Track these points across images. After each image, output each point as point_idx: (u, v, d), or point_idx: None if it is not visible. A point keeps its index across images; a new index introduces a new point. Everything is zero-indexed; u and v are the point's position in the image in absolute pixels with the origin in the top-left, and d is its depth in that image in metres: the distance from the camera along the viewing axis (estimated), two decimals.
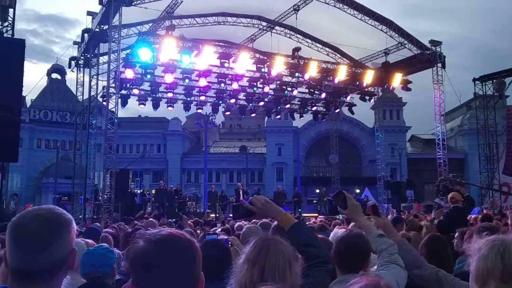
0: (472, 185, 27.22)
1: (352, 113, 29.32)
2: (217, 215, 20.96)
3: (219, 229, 6.58)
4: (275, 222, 4.73)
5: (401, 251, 2.85)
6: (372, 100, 27.93)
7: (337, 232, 3.48)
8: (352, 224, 6.70)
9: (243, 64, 21.71)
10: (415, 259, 2.98)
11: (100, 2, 19.68)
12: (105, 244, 3.69)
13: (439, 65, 25.15)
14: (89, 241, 4.03)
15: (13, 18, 15.10)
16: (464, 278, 3.00)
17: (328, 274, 2.28)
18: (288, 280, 1.74)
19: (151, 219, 11.78)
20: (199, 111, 27.46)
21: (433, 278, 2.89)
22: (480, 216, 9.59)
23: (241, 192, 24.13)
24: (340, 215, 15.05)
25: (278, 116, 31.47)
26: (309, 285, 2.08)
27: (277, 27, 25.04)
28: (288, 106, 27.98)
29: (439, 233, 5.57)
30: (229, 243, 4.09)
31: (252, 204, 2.39)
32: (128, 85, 22.26)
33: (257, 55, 22.53)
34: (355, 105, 28.29)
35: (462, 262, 4.28)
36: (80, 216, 21.62)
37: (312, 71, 22.70)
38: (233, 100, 25.96)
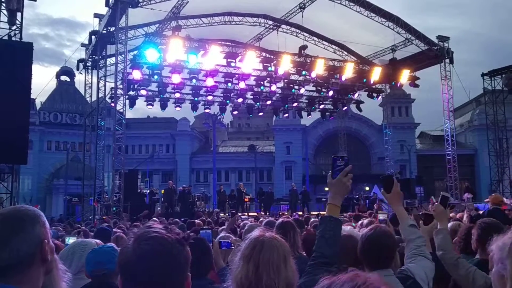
0: None
1: (360, 110, 29.25)
2: (227, 214, 20.96)
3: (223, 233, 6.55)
4: (280, 220, 4.76)
5: (439, 235, 3.32)
6: (380, 97, 27.85)
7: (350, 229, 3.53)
8: (360, 222, 6.69)
9: (250, 63, 21.76)
10: (445, 243, 3.30)
11: (107, 4, 19.82)
12: (111, 244, 3.72)
13: (447, 60, 25.01)
14: (97, 241, 4.06)
15: (21, 22, 15.19)
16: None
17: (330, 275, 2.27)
18: (283, 275, 1.76)
19: (155, 218, 11.82)
20: (207, 111, 27.52)
21: (452, 263, 3.18)
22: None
23: (243, 192, 24.13)
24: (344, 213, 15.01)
25: (286, 115, 31.41)
26: (309, 283, 2.08)
27: (283, 26, 25.05)
28: (295, 104, 27.99)
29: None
30: (232, 246, 4.11)
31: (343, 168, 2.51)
32: (135, 86, 22.38)
33: (264, 54, 22.56)
34: (362, 102, 28.21)
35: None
36: (90, 217, 21.81)
37: (319, 69, 22.67)
38: (240, 100, 26.01)
